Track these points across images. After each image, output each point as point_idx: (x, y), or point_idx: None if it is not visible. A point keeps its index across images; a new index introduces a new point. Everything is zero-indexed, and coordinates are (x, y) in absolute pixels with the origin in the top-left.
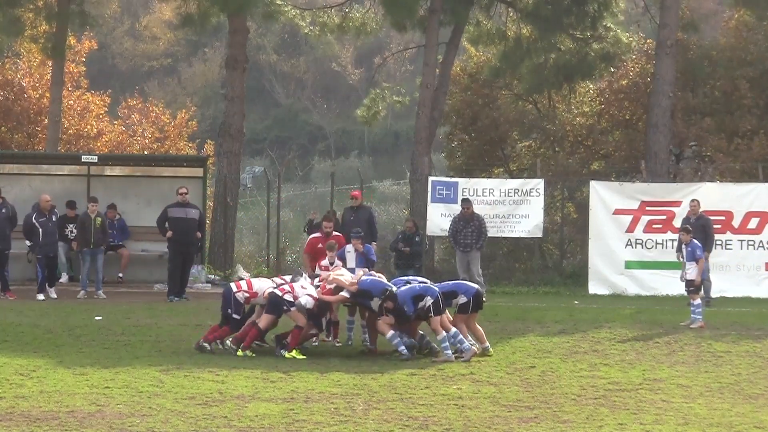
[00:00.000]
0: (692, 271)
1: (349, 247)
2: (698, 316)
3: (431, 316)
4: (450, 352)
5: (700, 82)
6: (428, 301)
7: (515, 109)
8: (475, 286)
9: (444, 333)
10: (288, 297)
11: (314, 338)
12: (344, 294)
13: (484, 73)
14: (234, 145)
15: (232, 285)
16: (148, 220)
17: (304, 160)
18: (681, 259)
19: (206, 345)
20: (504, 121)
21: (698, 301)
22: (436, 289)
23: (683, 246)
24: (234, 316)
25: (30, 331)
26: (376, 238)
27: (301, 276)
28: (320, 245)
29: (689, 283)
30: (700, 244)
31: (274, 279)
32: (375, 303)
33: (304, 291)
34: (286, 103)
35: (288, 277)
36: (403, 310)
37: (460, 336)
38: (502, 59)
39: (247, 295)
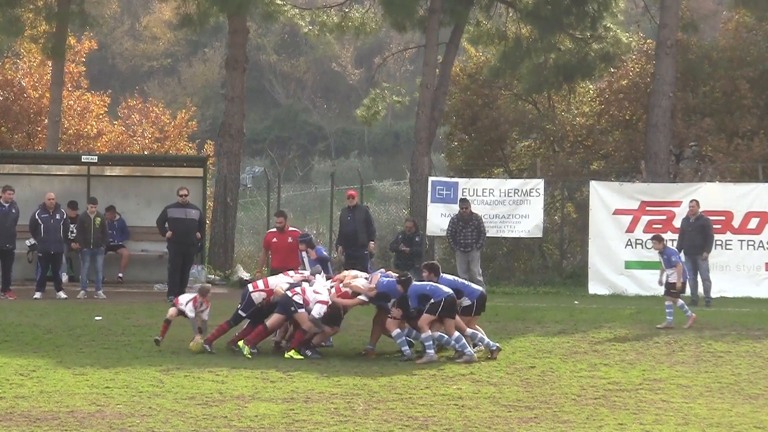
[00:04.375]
0: (673, 276)
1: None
2: (688, 313)
3: (423, 313)
4: (432, 351)
5: (700, 82)
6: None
7: (515, 110)
8: (480, 288)
9: (429, 332)
10: (297, 299)
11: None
12: (362, 298)
13: (484, 73)
14: (234, 146)
15: (250, 285)
16: (148, 220)
17: (304, 160)
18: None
19: (233, 347)
20: (504, 121)
21: (681, 302)
22: (446, 293)
23: (659, 254)
24: (240, 312)
25: (30, 331)
26: (374, 237)
27: (319, 273)
28: (274, 240)
29: (671, 286)
30: (674, 249)
31: (292, 274)
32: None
33: (318, 296)
34: (286, 104)
35: (306, 272)
36: (407, 300)
37: (463, 341)
38: (502, 59)
39: (264, 294)
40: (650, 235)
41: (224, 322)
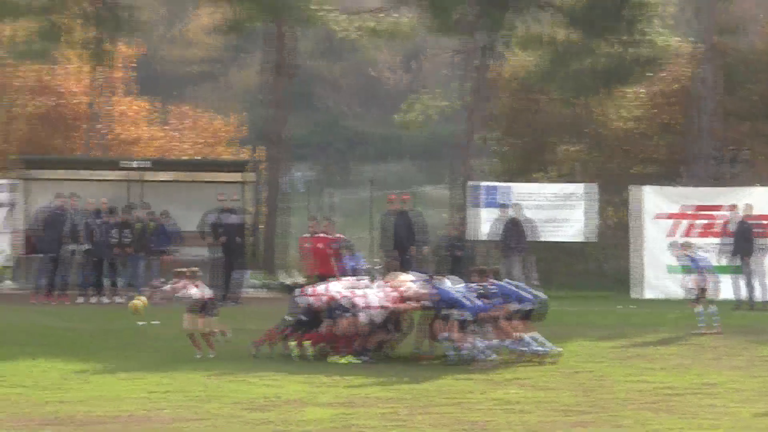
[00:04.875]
0: (693, 281)
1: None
2: (707, 323)
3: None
4: (487, 355)
5: (739, 86)
6: (454, 314)
7: (559, 114)
8: (544, 296)
9: (469, 343)
10: (345, 302)
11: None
12: (413, 303)
13: (528, 78)
14: (278, 151)
15: (298, 290)
16: (193, 225)
17: (346, 165)
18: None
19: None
20: (548, 126)
21: (700, 309)
22: (475, 308)
23: (685, 259)
24: (287, 317)
25: (73, 336)
26: (415, 242)
27: (367, 277)
28: (307, 245)
29: (699, 292)
30: (702, 256)
31: (338, 279)
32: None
33: (368, 301)
34: (327, 108)
35: (355, 278)
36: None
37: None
38: (547, 64)
39: (310, 300)
40: (693, 240)
41: (272, 327)
